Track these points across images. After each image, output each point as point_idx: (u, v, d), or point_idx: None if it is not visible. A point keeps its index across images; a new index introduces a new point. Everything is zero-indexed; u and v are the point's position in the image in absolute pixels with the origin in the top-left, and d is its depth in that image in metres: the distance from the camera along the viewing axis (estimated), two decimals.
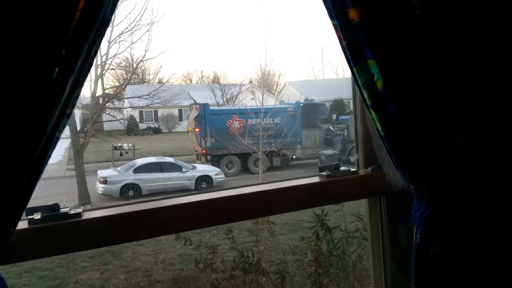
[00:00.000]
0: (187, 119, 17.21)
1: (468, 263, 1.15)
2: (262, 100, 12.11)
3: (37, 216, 1.11)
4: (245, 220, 6.35)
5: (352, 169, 1.53)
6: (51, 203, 1.13)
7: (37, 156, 0.83)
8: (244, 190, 1.37)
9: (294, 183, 1.43)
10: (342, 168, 1.51)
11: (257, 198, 1.36)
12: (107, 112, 13.86)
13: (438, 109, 1.08)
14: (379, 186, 1.50)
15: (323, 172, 1.48)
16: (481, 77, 1.07)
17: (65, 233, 1.12)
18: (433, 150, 1.11)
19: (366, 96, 1.13)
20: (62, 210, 1.14)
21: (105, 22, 0.88)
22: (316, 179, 1.47)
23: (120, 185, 11.02)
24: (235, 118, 14.15)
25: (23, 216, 1.08)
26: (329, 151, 14.25)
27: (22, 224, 1.09)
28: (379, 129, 1.16)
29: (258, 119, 12.05)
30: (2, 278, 0.92)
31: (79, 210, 1.15)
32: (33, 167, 0.83)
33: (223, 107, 16.65)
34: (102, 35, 0.89)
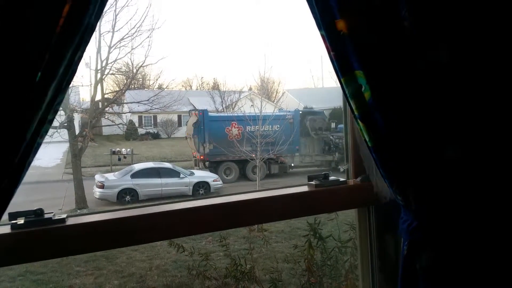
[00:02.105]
0: (186, 125, 17.21)
1: (455, 276, 1.14)
2: (261, 107, 12.10)
3: (20, 221, 1.10)
4: (239, 227, 6.35)
5: (341, 179, 1.53)
6: (35, 208, 1.12)
7: (16, 162, 0.82)
8: (233, 198, 1.36)
9: (282, 191, 1.43)
10: (331, 177, 1.51)
11: (247, 206, 1.35)
12: (106, 116, 13.88)
13: (426, 121, 1.08)
14: (368, 196, 1.49)
15: (312, 181, 1.48)
16: (471, 88, 1.07)
17: (48, 239, 1.11)
18: (420, 162, 1.11)
19: (353, 107, 1.13)
20: (46, 216, 1.13)
21: (90, 28, 0.88)
22: (304, 188, 1.47)
23: (117, 189, 10.99)
24: (234, 124, 14.15)
25: (6, 220, 1.08)
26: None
27: (5, 229, 1.08)
28: (367, 139, 1.15)
29: (256, 126, 12.03)
30: None
31: (63, 216, 1.15)
32: (12, 173, 0.82)
33: (222, 114, 16.65)
34: (86, 41, 0.89)
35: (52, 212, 1.15)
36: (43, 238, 1.10)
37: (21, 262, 1.11)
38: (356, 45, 1.06)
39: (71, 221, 1.14)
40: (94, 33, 0.91)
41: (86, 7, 0.85)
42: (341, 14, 1.05)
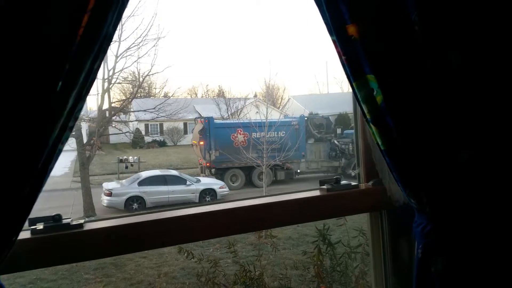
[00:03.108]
0: (192, 132, 17.26)
1: (471, 278, 1.14)
2: (267, 113, 12.12)
3: (39, 226, 1.12)
4: (248, 234, 6.34)
5: (353, 183, 1.53)
6: (53, 214, 1.14)
7: (39, 168, 0.84)
8: (244, 203, 1.37)
9: (294, 196, 1.43)
10: (343, 182, 1.51)
11: (256, 211, 1.36)
12: (113, 125, 13.96)
13: (439, 124, 1.08)
14: (380, 200, 1.49)
15: (324, 185, 1.49)
16: (482, 91, 1.07)
17: (67, 243, 1.13)
18: (434, 165, 1.11)
19: (365, 111, 1.14)
20: (64, 221, 1.15)
21: (108, 38, 0.90)
22: (316, 193, 1.48)
23: (124, 197, 11.03)
24: (239, 131, 14.17)
25: (26, 226, 1.10)
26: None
27: (25, 234, 1.10)
28: (379, 143, 1.16)
29: (262, 133, 12.04)
30: (2, 287, 0.93)
31: (81, 221, 1.17)
32: (35, 179, 0.85)
33: (228, 121, 16.69)
34: (105, 50, 0.91)
35: (70, 218, 1.17)
36: (62, 243, 1.12)
37: (41, 266, 1.13)
38: (367, 49, 1.07)
39: (88, 226, 1.16)
40: None
41: (105, 17, 0.87)
42: (352, 19, 1.06)
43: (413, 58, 1.07)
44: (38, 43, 0.81)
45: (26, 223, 1.01)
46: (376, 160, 1.51)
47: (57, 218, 1.14)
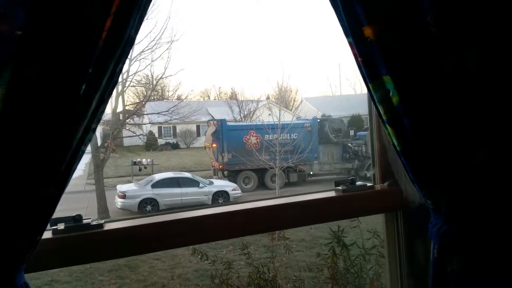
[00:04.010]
0: (205, 134, 17.33)
1: (488, 279, 1.13)
2: (279, 115, 12.13)
3: (61, 226, 1.15)
4: (262, 235, 6.34)
5: (369, 184, 1.54)
6: (74, 214, 1.17)
7: (63, 169, 0.86)
8: (261, 204, 1.39)
9: (310, 197, 1.44)
10: (358, 182, 1.52)
11: (273, 212, 1.38)
12: (127, 128, 14.10)
13: (455, 124, 1.08)
14: (396, 201, 1.49)
15: (339, 186, 1.49)
16: (499, 91, 1.07)
17: (87, 243, 1.16)
18: (450, 165, 1.11)
19: (382, 112, 1.14)
20: (85, 221, 1.17)
21: (130, 41, 0.92)
22: (332, 194, 1.48)
23: (138, 199, 11.13)
24: (252, 133, 14.20)
25: (48, 226, 1.12)
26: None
27: (47, 234, 1.13)
28: (395, 144, 1.16)
29: (275, 135, 12.05)
30: (27, 285, 0.96)
31: (101, 221, 1.19)
32: (59, 180, 0.87)
33: (240, 123, 16.72)
34: (126, 53, 0.93)
35: (90, 218, 1.20)
36: (83, 242, 1.15)
37: (62, 266, 1.16)
38: (383, 51, 1.07)
39: (108, 226, 1.19)
40: None
41: (127, 20, 0.89)
42: (368, 21, 1.07)
43: (429, 59, 1.07)
44: (63, 48, 0.83)
45: None
46: (392, 161, 1.51)
47: (78, 218, 1.17)
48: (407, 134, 1.12)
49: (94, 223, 1.18)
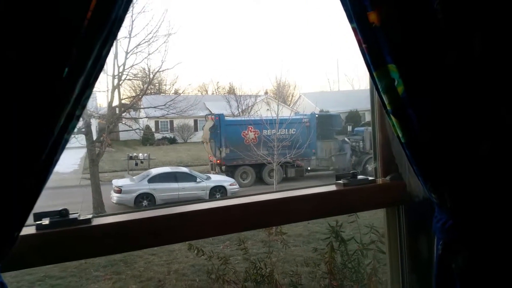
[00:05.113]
0: (202, 129, 17.27)
1: (493, 275, 1.10)
2: (277, 111, 12.11)
3: (45, 221, 1.09)
4: (259, 230, 6.32)
5: (370, 178, 1.49)
6: (60, 209, 1.10)
7: (44, 159, 0.80)
8: (259, 198, 1.34)
9: (310, 191, 1.40)
10: (360, 176, 1.47)
11: (273, 206, 1.34)
12: (123, 122, 14.01)
13: (462, 115, 1.05)
14: (398, 195, 1.46)
15: (340, 180, 1.44)
16: (506, 82, 1.03)
17: (74, 239, 1.10)
18: (456, 158, 1.07)
19: (386, 102, 1.11)
20: (72, 216, 1.11)
21: (118, 21, 0.86)
22: (332, 188, 1.44)
23: (134, 194, 11.08)
24: (250, 128, 14.16)
25: (32, 221, 1.06)
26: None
27: (30, 230, 1.07)
28: (400, 135, 1.12)
29: (273, 130, 12.03)
30: (4, 285, 0.89)
31: (89, 216, 1.13)
32: (39, 171, 0.80)
33: (238, 118, 16.68)
34: (114, 35, 0.87)
35: (77, 213, 1.13)
36: (69, 238, 1.09)
37: (47, 263, 1.10)
38: (388, 37, 1.04)
39: (97, 222, 1.13)
40: None
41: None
42: (373, 6, 1.03)
43: (436, 47, 1.04)
44: (43, 26, 0.77)
45: (31, 219, 0.98)
46: (396, 153, 1.46)
47: (64, 213, 1.10)
48: (412, 125, 1.09)
49: (81, 218, 1.12)
